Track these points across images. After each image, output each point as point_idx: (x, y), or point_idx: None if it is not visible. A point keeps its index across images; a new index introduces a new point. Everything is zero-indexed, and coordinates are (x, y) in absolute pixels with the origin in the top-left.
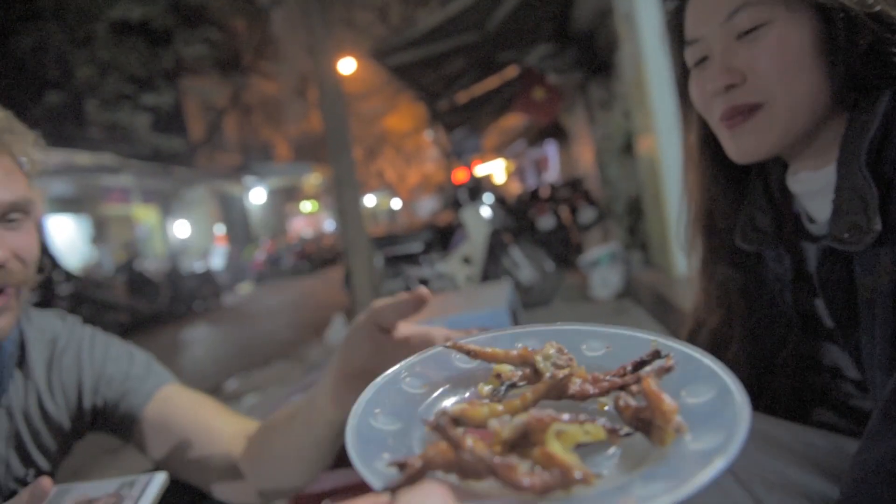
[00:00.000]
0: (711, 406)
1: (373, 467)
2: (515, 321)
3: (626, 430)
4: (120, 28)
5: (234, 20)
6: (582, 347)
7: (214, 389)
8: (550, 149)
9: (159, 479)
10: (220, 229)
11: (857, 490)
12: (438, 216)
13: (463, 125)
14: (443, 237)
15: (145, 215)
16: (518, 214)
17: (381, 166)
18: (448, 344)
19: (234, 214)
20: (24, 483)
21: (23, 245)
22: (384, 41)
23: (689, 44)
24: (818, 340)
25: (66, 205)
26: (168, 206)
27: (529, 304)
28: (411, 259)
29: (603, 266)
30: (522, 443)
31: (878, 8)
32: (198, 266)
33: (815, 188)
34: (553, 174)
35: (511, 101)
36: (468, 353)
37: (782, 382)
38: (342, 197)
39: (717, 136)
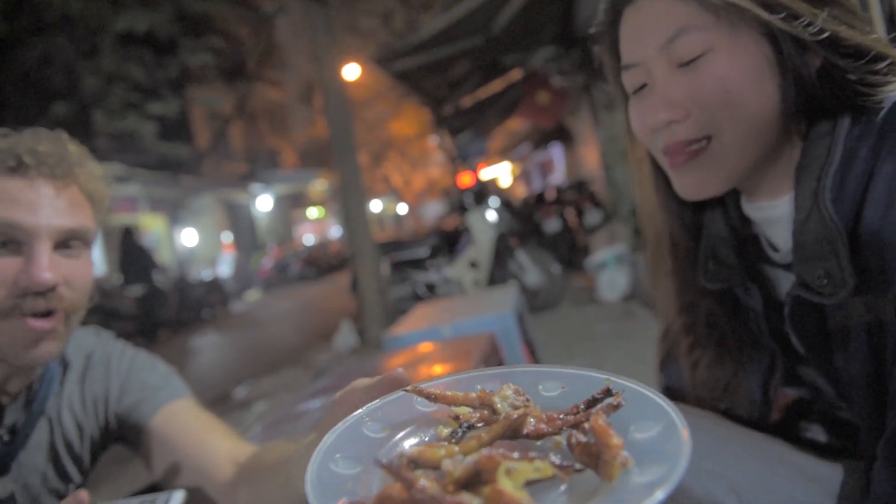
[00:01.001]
0: (657, 440)
1: None
2: (522, 325)
3: (576, 465)
4: (126, 39)
5: (238, 28)
6: (539, 388)
7: (223, 397)
8: (556, 151)
9: (177, 498)
10: (227, 237)
11: None
12: (444, 221)
13: (468, 129)
14: (449, 242)
15: (153, 224)
16: (524, 218)
17: (387, 171)
18: (408, 388)
19: (241, 222)
20: (58, 495)
21: (77, 273)
22: (388, 47)
23: (627, 68)
24: (795, 362)
25: None
26: (175, 214)
27: (536, 307)
28: (418, 264)
29: (610, 268)
30: (475, 481)
31: (826, 34)
32: (205, 274)
33: (774, 216)
34: (559, 177)
35: (516, 104)
36: (428, 396)
37: (768, 399)
38: (348, 202)
39: (663, 169)
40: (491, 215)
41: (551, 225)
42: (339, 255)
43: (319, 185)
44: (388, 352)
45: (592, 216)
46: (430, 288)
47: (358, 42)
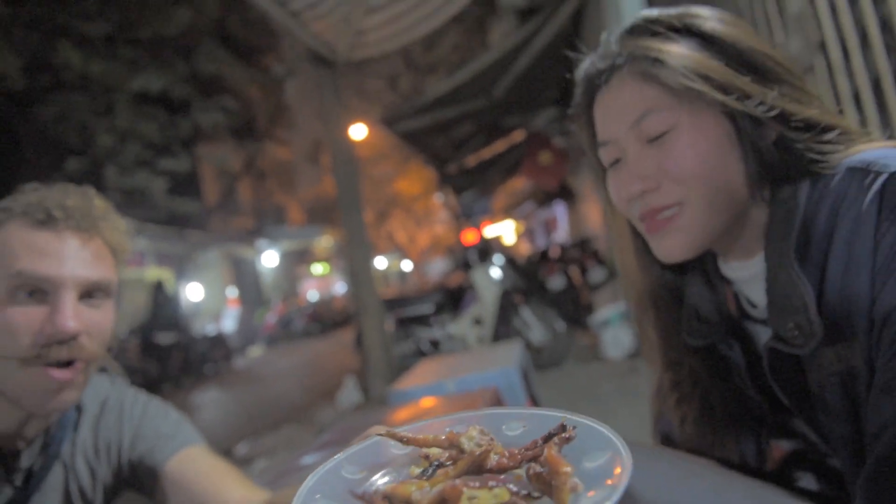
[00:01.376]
0: (605, 467)
1: None
2: (526, 381)
3: (534, 493)
4: (140, 98)
5: (249, 89)
6: (502, 428)
7: (225, 453)
8: (559, 209)
9: None
10: (232, 292)
11: None
12: (449, 278)
13: (472, 188)
14: (453, 298)
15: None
16: (528, 275)
17: (392, 228)
18: (382, 433)
19: (246, 277)
20: None
21: (99, 323)
22: (394, 108)
23: (602, 145)
24: (783, 414)
25: None
26: (181, 268)
27: (541, 364)
28: (422, 320)
29: (614, 326)
30: None
31: (777, 111)
32: (210, 329)
33: (748, 275)
34: (562, 234)
35: (518, 163)
36: (401, 440)
37: (761, 450)
38: (354, 258)
39: (642, 234)
40: (495, 272)
41: (555, 282)
42: (343, 311)
43: (325, 241)
44: (392, 406)
45: (596, 274)
46: (435, 344)
47: (365, 104)
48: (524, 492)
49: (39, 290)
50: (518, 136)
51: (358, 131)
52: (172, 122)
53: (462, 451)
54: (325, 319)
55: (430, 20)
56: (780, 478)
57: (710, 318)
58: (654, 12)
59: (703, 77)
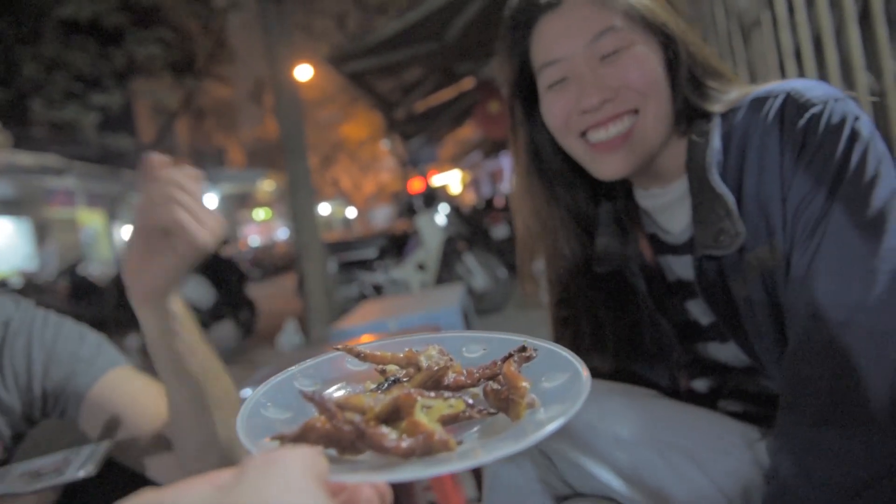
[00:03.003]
0: (562, 386)
1: (259, 444)
2: (467, 322)
3: (490, 410)
4: (69, 26)
5: (188, 21)
6: (462, 350)
7: None
8: (506, 161)
9: (104, 445)
10: None
11: None
12: (394, 224)
13: (419, 135)
14: (397, 244)
15: (90, 219)
16: (473, 223)
17: (337, 174)
18: (339, 347)
19: None
20: None
21: None
22: (342, 48)
23: (547, 65)
24: (697, 342)
25: (6, 207)
26: (115, 210)
27: (482, 310)
28: (365, 265)
29: None
30: (393, 417)
31: (693, 48)
32: None
33: (665, 202)
34: (508, 186)
35: (468, 112)
36: (358, 355)
37: (676, 383)
38: (297, 202)
39: (574, 154)
40: (440, 218)
41: (499, 231)
42: (285, 257)
43: (267, 185)
44: (332, 344)
45: None
46: (378, 289)
47: (311, 43)
48: (480, 407)
49: None
50: (468, 83)
51: (303, 72)
52: (104, 54)
53: (420, 369)
54: (267, 265)
55: None
56: (702, 403)
57: (619, 248)
58: None
59: (650, 6)
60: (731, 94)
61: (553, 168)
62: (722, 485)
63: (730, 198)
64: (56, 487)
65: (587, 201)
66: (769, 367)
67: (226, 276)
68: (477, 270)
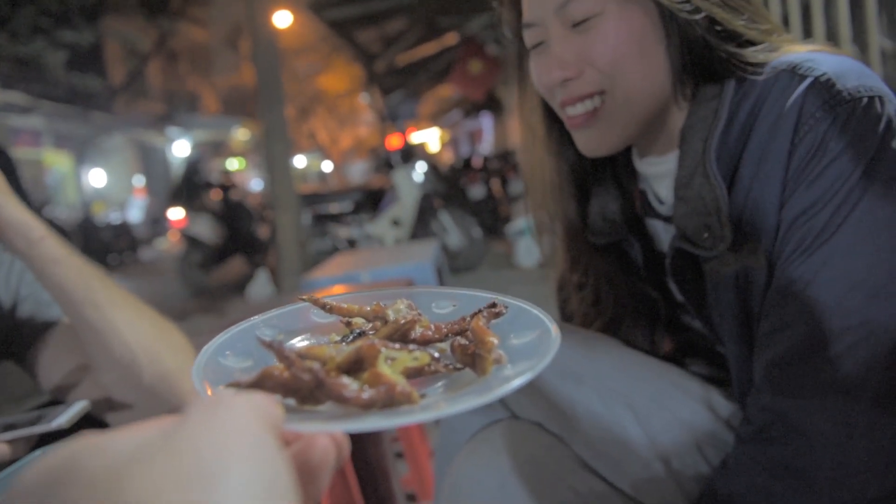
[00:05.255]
0: (531, 344)
1: (214, 391)
2: (441, 279)
3: (456, 365)
4: None
5: None
6: (431, 306)
7: None
8: (485, 121)
9: (80, 404)
10: (139, 181)
11: None
12: (370, 180)
13: (399, 89)
14: (373, 199)
15: (57, 161)
16: (450, 182)
17: (314, 127)
18: (304, 297)
19: (155, 166)
20: None
21: None
22: None
23: (527, 27)
24: (676, 310)
25: None
26: (83, 152)
27: (456, 268)
28: (340, 219)
29: (528, 236)
30: (356, 368)
31: (701, 14)
32: (114, 217)
33: (661, 171)
34: (487, 146)
35: (449, 69)
36: (323, 307)
37: (654, 344)
38: (272, 152)
39: (563, 122)
40: (417, 175)
41: (476, 191)
42: (257, 208)
43: (241, 134)
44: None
45: (516, 186)
46: (352, 243)
47: None
48: (447, 362)
49: None
50: (452, 38)
51: (282, 18)
52: None
53: (387, 323)
54: None
55: None
56: (673, 363)
57: (615, 217)
58: None
59: None
60: (758, 56)
61: (554, 124)
62: (656, 438)
63: (723, 195)
64: (29, 439)
65: (587, 160)
66: (729, 347)
67: (236, 217)
68: (452, 229)
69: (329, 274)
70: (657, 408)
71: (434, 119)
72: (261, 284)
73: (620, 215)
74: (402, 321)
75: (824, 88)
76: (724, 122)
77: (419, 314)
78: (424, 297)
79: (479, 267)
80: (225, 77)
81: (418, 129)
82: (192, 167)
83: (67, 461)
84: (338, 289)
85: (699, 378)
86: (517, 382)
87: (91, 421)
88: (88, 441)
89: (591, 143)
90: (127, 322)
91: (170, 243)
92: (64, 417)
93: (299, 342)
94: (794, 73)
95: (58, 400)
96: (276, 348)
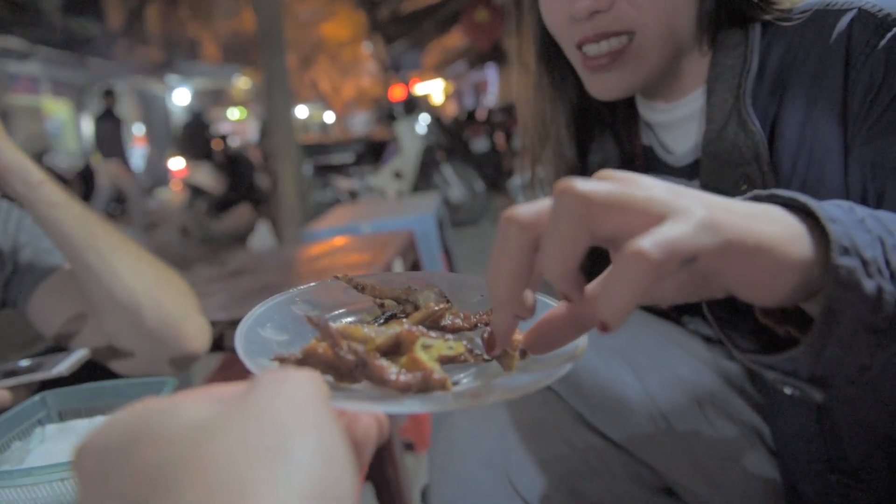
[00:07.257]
0: None
1: (257, 362)
2: (442, 232)
3: (485, 356)
4: None
5: None
6: (460, 294)
7: None
8: (490, 72)
9: (80, 352)
10: (138, 129)
11: None
12: (373, 131)
13: (403, 38)
14: (375, 150)
15: (56, 109)
16: (453, 134)
17: (316, 76)
18: (339, 276)
19: (154, 114)
20: None
21: None
22: None
23: None
24: None
25: None
26: (81, 100)
27: (458, 222)
28: (341, 170)
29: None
30: (393, 352)
31: None
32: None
33: (673, 118)
34: (492, 99)
35: (455, 17)
36: (356, 286)
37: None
38: (273, 101)
39: (573, 64)
40: (420, 127)
41: (479, 144)
42: (258, 157)
43: (242, 83)
44: (305, 245)
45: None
46: (353, 195)
47: None
48: (478, 352)
49: None
50: None
51: None
52: None
53: (417, 307)
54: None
55: None
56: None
57: (614, 164)
58: None
59: None
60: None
61: (556, 66)
62: (655, 394)
63: (763, 140)
64: (29, 386)
65: (590, 106)
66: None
67: (237, 167)
68: (454, 182)
69: (330, 225)
70: (656, 364)
71: (438, 70)
72: (262, 235)
73: (620, 161)
74: (435, 307)
75: (870, 16)
76: (757, 69)
77: (448, 301)
78: (454, 283)
79: (480, 221)
80: (225, 23)
81: (422, 80)
82: (197, 118)
83: (141, 423)
84: (339, 240)
85: (699, 336)
86: (543, 383)
87: (91, 368)
88: (157, 404)
89: (606, 86)
90: (128, 267)
91: (171, 193)
92: (64, 365)
93: (333, 317)
94: (829, 9)
95: (58, 347)
96: (323, 327)
